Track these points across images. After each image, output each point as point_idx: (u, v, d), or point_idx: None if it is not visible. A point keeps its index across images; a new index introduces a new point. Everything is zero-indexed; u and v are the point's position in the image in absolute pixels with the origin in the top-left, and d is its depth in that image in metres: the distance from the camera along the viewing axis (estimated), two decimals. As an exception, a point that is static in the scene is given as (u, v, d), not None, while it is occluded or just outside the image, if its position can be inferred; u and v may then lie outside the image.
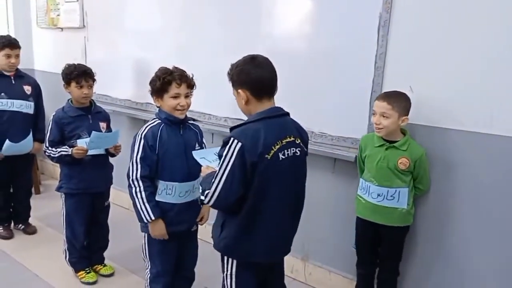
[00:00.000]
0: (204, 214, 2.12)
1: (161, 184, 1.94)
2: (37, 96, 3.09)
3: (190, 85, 1.98)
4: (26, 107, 2.99)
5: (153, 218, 1.90)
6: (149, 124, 1.97)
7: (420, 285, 2.22)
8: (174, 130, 1.98)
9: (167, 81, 1.92)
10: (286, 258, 2.73)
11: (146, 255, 2.06)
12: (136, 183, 1.91)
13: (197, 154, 1.85)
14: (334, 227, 2.51)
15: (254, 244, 1.62)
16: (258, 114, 1.57)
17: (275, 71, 1.62)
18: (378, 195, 2.04)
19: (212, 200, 1.55)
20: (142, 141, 1.91)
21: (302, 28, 2.47)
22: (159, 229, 1.94)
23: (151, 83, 1.97)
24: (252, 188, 1.53)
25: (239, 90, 1.59)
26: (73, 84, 2.40)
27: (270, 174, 1.54)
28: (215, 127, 2.83)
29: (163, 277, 2.05)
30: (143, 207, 1.90)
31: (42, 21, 4.11)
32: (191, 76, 2.00)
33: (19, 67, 3.04)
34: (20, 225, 3.17)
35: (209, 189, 1.55)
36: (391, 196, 2.01)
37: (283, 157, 1.56)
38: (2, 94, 2.91)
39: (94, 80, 2.47)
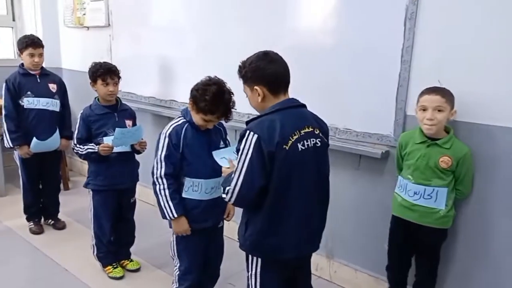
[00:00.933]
0: (230, 210, 2.12)
1: (187, 181, 1.96)
2: (62, 93, 3.13)
3: (227, 118, 1.97)
4: (52, 105, 3.03)
5: (175, 215, 1.92)
6: (174, 123, 1.98)
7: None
8: (199, 129, 1.98)
9: (209, 110, 1.88)
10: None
11: (174, 253, 2.08)
12: (160, 180, 1.93)
13: (217, 154, 1.85)
14: (359, 224, 2.48)
15: (280, 239, 1.59)
16: (273, 106, 1.57)
17: (287, 65, 1.62)
18: (415, 193, 1.96)
19: (234, 195, 1.53)
20: (167, 139, 1.93)
21: (326, 22, 2.43)
22: (182, 226, 1.96)
23: (197, 92, 1.89)
24: (272, 181, 1.51)
25: (255, 87, 1.57)
26: (99, 82, 2.44)
27: (290, 165, 1.52)
28: (238, 123, 2.82)
29: (191, 274, 2.06)
30: (166, 204, 1.93)
31: (69, 21, 4.19)
32: (233, 109, 1.95)
33: (44, 65, 3.09)
34: (50, 220, 3.25)
35: (229, 185, 1.53)
36: (428, 195, 1.93)
37: (303, 147, 1.54)
38: (29, 92, 2.96)
39: (119, 77, 2.51)
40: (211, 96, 1.86)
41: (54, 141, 3.03)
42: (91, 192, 2.53)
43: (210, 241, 2.10)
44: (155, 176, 1.94)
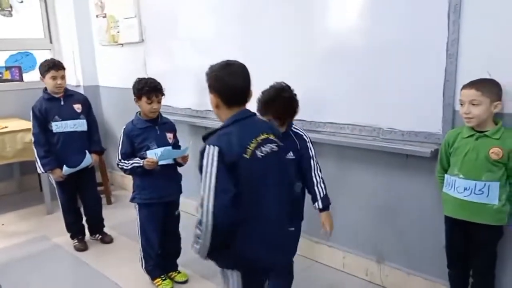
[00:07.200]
0: (325, 222, 2.04)
1: None
2: (87, 111, 3.15)
3: (285, 120, 2.03)
4: (79, 125, 3.06)
5: None
6: None
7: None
8: None
9: (262, 112, 1.98)
10: (359, 259, 2.66)
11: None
12: None
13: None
14: (409, 226, 2.39)
15: (257, 249, 1.57)
16: (229, 119, 1.59)
17: (248, 80, 1.62)
18: (465, 189, 1.89)
19: (210, 215, 1.43)
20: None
21: (365, 20, 2.36)
22: None
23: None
24: (241, 191, 1.50)
25: (211, 95, 1.61)
26: (143, 99, 2.47)
27: (253, 173, 1.54)
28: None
29: None
30: None
31: (103, 39, 4.30)
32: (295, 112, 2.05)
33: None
34: (97, 235, 3.31)
35: (201, 207, 1.45)
36: (480, 190, 1.85)
37: (262, 154, 1.57)
38: (56, 117, 2.99)
39: (163, 94, 2.53)
40: (263, 99, 1.98)
41: (86, 162, 3.10)
42: (137, 206, 2.56)
43: None
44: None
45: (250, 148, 1.53)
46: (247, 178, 1.52)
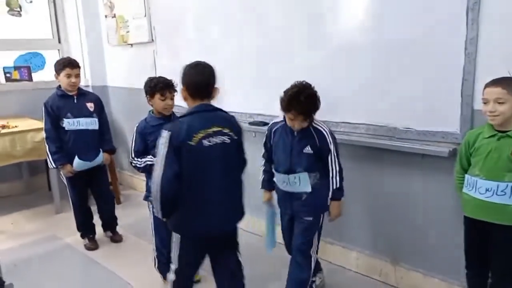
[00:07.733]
0: (331, 209, 2.24)
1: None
2: (99, 110, 3.16)
3: (307, 118, 2.15)
4: (92, 123, 3.07)
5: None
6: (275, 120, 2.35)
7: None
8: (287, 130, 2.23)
9: (285, 108, 2.11)
10: (373, 260, 2.64)
11: None
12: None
13: None
14: (425, 226, 2.37)
15: (192, 221, 1.87)
16: (187, 110, 1.88)
17: (213, 78, 1.89)
18: (487, 190, 1.86)
19: (158, 185, 1.76)
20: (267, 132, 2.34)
21: (380, 17, 2.35)
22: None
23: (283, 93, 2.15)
24: (184, 171, 1.79)
25: (182, 88, 1.89)
26: (157, 96, 2.46)
27: (196, 157, 1.81)
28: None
29: None
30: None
31: (113, 39, 4.30)
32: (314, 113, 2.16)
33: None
34: (109, 232, 3.32)
35: (152, 179, 1.79)
36: (502, 191, 1.83)
37: (209, 143, 1.82)
38: (68, 114, 3.00)
39: (176, 91, 2.53)
40: (287, 97, 2.08)
41: (97, 160, 3.12)
42: (151, 206, 2.53)
43: None
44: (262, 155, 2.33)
45: (196, 136, 1.79)
46: (189, 161, 1.79)
